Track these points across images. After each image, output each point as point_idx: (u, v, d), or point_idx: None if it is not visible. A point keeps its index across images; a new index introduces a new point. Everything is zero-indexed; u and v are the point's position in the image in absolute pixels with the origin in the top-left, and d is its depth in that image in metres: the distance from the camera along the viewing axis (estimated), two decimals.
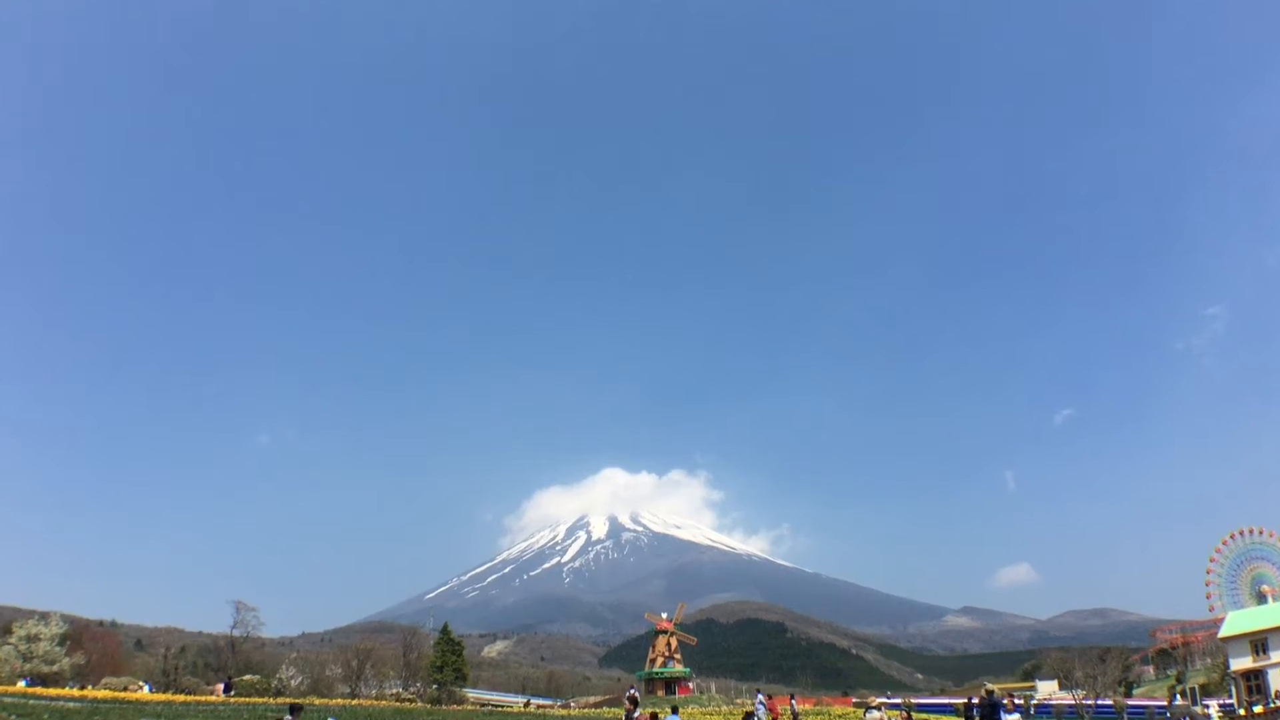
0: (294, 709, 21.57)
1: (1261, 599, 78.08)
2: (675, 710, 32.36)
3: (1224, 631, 72.60)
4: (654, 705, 65.01)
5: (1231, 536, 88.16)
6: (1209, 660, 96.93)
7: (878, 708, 25.67)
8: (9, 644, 70.46)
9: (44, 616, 75.25)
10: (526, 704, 78.87)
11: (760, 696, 57.60)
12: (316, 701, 58.16)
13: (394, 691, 74.35)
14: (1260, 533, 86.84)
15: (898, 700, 68.65)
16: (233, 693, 65.31)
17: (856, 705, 73.92)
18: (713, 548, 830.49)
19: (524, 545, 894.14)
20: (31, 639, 70.21)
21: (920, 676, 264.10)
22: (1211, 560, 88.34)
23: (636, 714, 48.21)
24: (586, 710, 65.06)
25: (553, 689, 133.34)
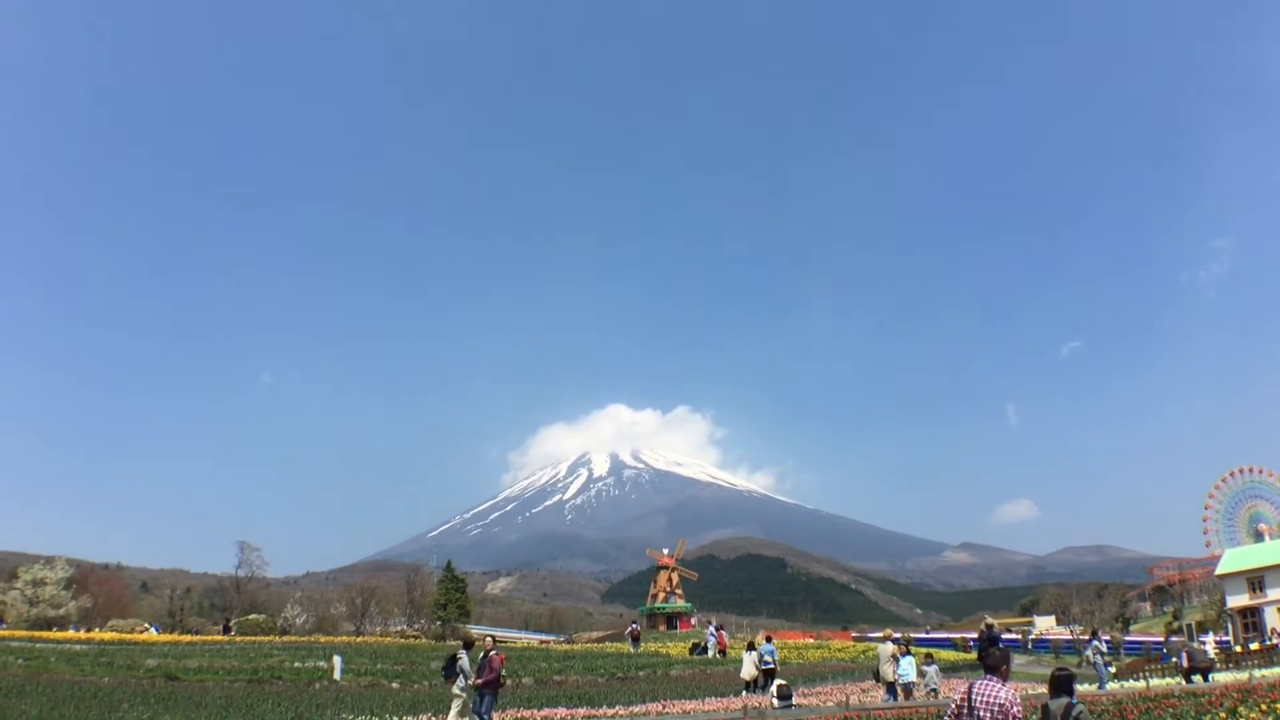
0: (467, 644, 21.80)
1: (1259, 537, 78.38)
2: (769, 639, 34.31)
3: (1221, 569, 72.99)
4: (655, 640, 65.66)
5: (1230, 475, 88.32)
6: (1205, 597, 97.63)
7: (893, 639, 25.70)
8: (15, 589, 71.00)
9: (49, 561, 75.71)
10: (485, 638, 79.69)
11: (711, 628, 58.33)
12: (322, 639, 58.77)
13: (398, 628, 75.06)
14: (1259, 471, 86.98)
15: (898, 635, 69.08)
16: (231, 633, 65.97)
17: (856, 639, 74.60)
18: (713, 484, 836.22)
19: (526, 483, 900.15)
20: (37, 583, 70.73)
21: (919, 612, 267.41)
22: (1210, 497, 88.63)
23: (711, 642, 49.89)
24: (589, 645, 65.67)
25: (555, 625, 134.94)
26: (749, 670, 26.25)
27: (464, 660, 19.84)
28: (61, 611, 70.47)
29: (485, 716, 19.32)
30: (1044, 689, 23.57)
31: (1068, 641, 71.22)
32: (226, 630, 68.44)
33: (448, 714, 20.11)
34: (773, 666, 29.18)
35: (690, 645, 57.35)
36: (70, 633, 60.93)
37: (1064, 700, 8.78)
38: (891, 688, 24.51)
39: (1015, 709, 7.95)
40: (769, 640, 33.34)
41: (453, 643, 56.26)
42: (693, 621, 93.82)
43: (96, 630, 64.73)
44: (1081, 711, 8.67)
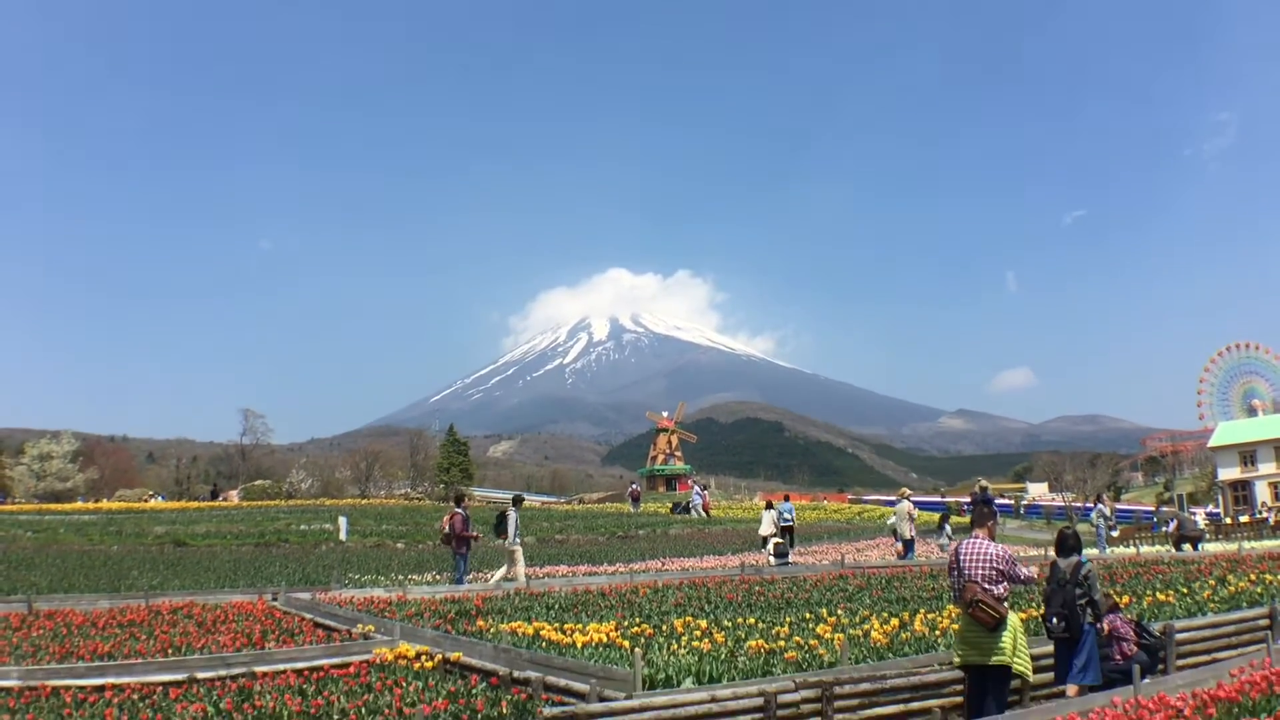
0: (516, 500, 22.23)
1: (1252, 413, 78.89)
2: (787, 498, 35.64)
3: (1214, 441, 73.77)
4: (655, 501, 66.78)
5: (1226, 349, 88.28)
6: (1197, 469, 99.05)
7: (907, 498, 26.18)
8: (22, 464, 71.77)
9: (55, 436, 76.35)
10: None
11: (696, 488, 59.21)
12: (327, 503, 59.77)
13: (402, 492, 76.25)
14: (1255, 347, 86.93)
15: (894, 498, 70.19)
16: (219, 499, 66.98)
17: (852, 502, 75.89)
18: (713, 349, 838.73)
19: (526, 347, 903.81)
20: (44, 458, 71.46)
21: (914, 476, 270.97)
22: (1205, 371, 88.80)
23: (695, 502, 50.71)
24: (590, 506, 66.89)
25: (557, 486, 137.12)
26: (768, 528, 26.98)
27: (513, 517, 20.23)
28: (69, 484, 71.39)
29: (461, 576, 19.75)
30: (1035, 553, 24.09)
31: (1059, 508, 72.33)
32: (214, 497, 69.63)
33: (497, 571, 20.66)
34: (791, 524, 30.14)
35: (671, 505, 58.04)
36: (78, 504, 61.84)
37: (1073, 559, 8.87)
38: (910, 544, 25.01)
39: (1002, 563, 8.01)
40: (787, 500, 34.35)
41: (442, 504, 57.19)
42: (691, 483, 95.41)
43: (104, 501, 65.67)
44: (1090, 570, 8.77)
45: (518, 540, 20.24)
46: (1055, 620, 8.54)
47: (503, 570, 20.38)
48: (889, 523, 26.58)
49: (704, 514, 50.38)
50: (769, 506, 28.93)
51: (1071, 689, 8.44)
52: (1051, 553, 9.50)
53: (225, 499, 67.37)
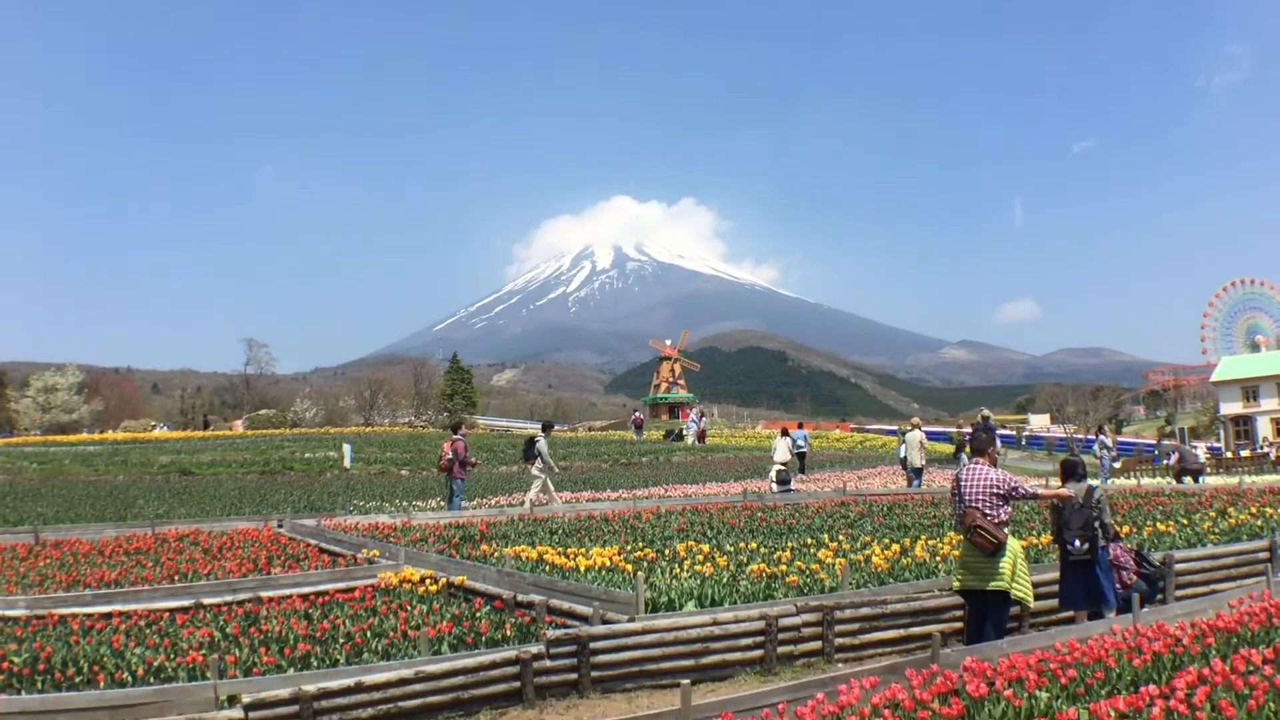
0: (546, 426, 22.30)
1: (1255, 348, 78.74)
2: (801, 426, 36.35)
3: (1216, 376, 73.69)
4: (657, 429, 67.14)
5: (1230, 285, 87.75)
6: (1199, 404, 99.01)
7: (917, 428, 26.30)
8: (27, 397, 71.99)
9: (60, 368, 76.44)
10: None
11: (692, 414, 59.48)
12: (332, 431, 60.07)
13: (407, 420, 76.56)
14: (1260, 283, 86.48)
15: (895, 428, 70.47)
16: (209, 428, 67.35)
17: (854, 431, 76.20)
18: (716, 277, 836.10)
19: (529, 276, 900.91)
20: (49, 390, 71.63)
21: (916, 406, 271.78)
22: (1210, 306, 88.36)
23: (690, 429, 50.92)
24: (593, 433, 67.22)
25: (560, 415, 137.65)
26: (782, 454, 27.43)
27: (542, 443, 20.38)
28: (74, 416, 71.64)
29: (457, 500, 19.88)
30: (1035, 482, 24.21)
31: (1061, 439, 72.61)
32: (205, 426, 70.01)
33: (527, 492, 20.81)
34: (805, 450, 31.19)
35: (664, 432, 58.29)
36: (83, 435, 62.12)
37: (1084, 484, 8.90)
38: (919, 472, 25.09)
39: (1003, 487, 8.01)
40: (801, 427, 35.00)
41: (463, 433, 57.40)
42: (693, 411, 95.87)
43: (109, 432, 65.98)
44: (1101, 496, 8.81)
45: (546, 466, 20.44)
46: (1078, 542, 8.50)
47: (535, 489, 20.50)
48: (899, 452, 26.67)
49: (699, 442, 50.46)
50: (784, 434, 29.38)
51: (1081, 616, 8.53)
52: (1053, 482, 9.54)
53: (226, 427, 67.80)
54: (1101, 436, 32.46)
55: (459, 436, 20.30)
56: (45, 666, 7.32)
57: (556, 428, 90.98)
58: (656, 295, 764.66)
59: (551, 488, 20.83)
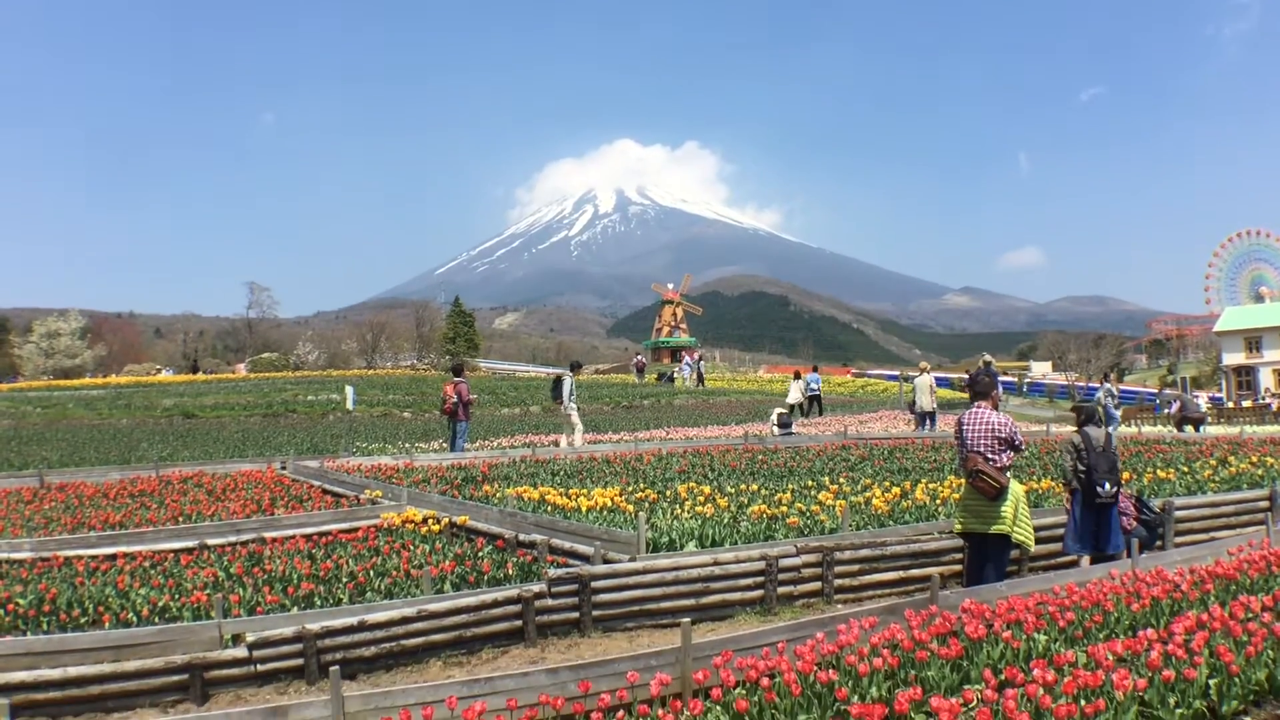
0: (574, 366, 22.38)
1: (1259, 300, 78.62)
2: (815, 369, 36.82)
3: (1219, 326, 73.64)
4: (658, 372, 67.22)
5: (1236, 236, 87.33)
6: (1201, 354, 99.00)
7: (927, 372, 26.20)
8: (30, 342, 72.03)
9: (63, 314, 76.45)
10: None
11: (687, 358, 59.67)
12: (334, 374, 60.17)
13: (409, 363, 76.69)
14: (1265, 234, 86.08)
15: (896, 373, 70.50)
16: (198, 374, 67.50)
17: (855, 376, 76.28)
18: (719, 221, 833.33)
19: (531, 220, 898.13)
20: (52, 335, 71.64)
21: (918, 352, 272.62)
22: (1214, 256, 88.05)
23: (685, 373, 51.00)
24: (595, 376, 67.31)
25: (562, 358, 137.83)
26: (795, 396, 27.75)
27: (568, 383, 20.52)
28: (77, 361, 71.79)
29: (460, 442, 19.93)
30: (1036, 428, 24.24)
31: (1062, 387, 72.65)
32: (194, 371, 70.18)
33: (569, 434, 20.97)
34: (818, 393, 32.52)
35: (656, 375, 58.43)
36: (87, 379, 62.20)
37: (1102, 429, 8.97)
38: (931, 416, 24.93)
39: (1005, 430, 8.01)
40: (815, 371, 35.73)
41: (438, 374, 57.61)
42: (696, 355, 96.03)
43: (113, 376, 66.09)
44: (1113, 439, 8.88)
45: (573, 404, 20.59)
46: (1108, 485, 8.69)
47: (577, 435, 20.68)
48: (910, 396, 26.59)
49: (699, 385, 50.58)
50: (797, 377, 29.55)
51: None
52: (1054, 428, 9.54)
53: (229, 370, 67.92)
54: (1105, 384, 32.43)
55: (461, 379, 20.33)
56: (51, 608, 7.39)
57: (558, 371, 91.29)
58: (659, 239, 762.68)
59: (579, 425, 21.01)
